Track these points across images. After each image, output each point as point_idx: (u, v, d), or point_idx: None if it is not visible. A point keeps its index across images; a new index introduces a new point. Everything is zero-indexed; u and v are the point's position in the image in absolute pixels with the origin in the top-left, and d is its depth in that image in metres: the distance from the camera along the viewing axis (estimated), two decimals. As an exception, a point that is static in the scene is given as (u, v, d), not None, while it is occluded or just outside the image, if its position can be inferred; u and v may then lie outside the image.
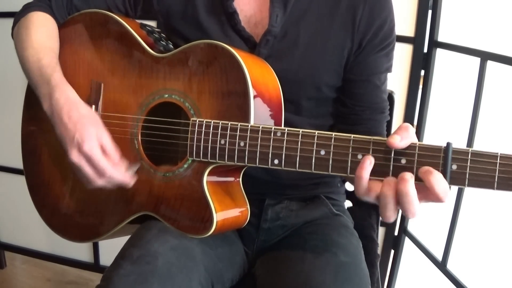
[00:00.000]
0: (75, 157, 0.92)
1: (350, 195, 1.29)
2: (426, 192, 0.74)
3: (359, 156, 0.79)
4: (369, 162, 0.77)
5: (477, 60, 1.37)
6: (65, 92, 0.96)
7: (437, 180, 0.73)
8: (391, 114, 1.15)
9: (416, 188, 0.74)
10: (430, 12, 1.56)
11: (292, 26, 1.01)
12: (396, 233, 1.78)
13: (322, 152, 0.82)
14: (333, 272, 0.93)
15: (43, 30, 1.06)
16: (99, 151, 0.92)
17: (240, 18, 1.02)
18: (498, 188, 0.72)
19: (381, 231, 1.74)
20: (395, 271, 1.80)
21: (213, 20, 1.03)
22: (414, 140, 0.77)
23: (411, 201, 0.74)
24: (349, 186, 1.28)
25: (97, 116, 0.98)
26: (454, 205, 1.46)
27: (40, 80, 0.98)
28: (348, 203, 1.27)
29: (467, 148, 0.73)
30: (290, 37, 1.01)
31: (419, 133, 1.65)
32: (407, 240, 1.76)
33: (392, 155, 0.77)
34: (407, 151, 0.77)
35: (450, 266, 1.52)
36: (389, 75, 1.09)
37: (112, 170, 0.93)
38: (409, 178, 0.74)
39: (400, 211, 0.78)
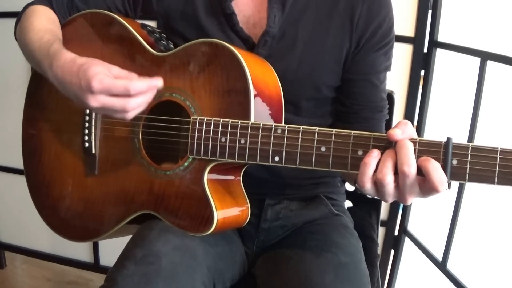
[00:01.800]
0: (93, 101, 0.85)
1: (350, 195, 1.29)
2: (423, 181, 0.75)
3: (360, 152, 0.80)
4: (376, 154, 0.78)
5: (477, 60, 1.37)
6: (63, 56, 0.91)
7: (434, 167, 0.73)
8: (391, 114, 1.15)
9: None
10: (430, 12, 1.57)
11: (290, 26, 1.01)
12: (396, 233, 1.78)
13: (323, 149, 0.82)
14: (333, 272, 0.93)
15: (44, 17, 1.05)
16: (109, 79, 0.85)
17: (239, 18, 1.02)
18: (498, 183, 0.72)
19: (381, 231, 1.74)
20: (395, 271, 1.80)
21: (212, 20, 1.03)
22: (414, 135, 0.77)
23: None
24: (349, 186, 1.28)
25: (97, 59, 0.90)
26: (454, 205, 1.46)
27: (41, 55, 0.95)
28: (348, 203, 1.27)
29: (467, 143, 0.73)
30: (288, 37, 1.01)
31: (419, 133, 1.64)
32: (407, 240, 1.76)
33: (393, 151, 0.77)
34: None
35: (450, 266, 1.52)
36: (389, 74, 1.09)
37: (132, 83, 0.85)
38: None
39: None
